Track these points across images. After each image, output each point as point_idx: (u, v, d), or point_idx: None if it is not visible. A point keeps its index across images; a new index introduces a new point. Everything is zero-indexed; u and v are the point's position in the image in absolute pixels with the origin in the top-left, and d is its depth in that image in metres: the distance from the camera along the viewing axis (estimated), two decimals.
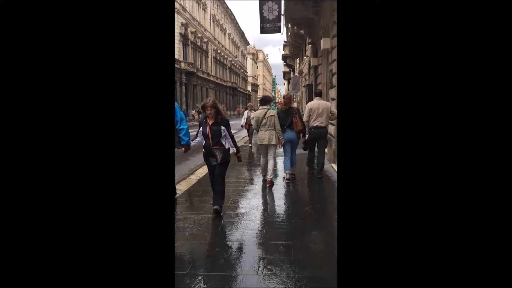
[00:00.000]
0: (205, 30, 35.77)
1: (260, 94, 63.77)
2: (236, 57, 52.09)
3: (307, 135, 5.21)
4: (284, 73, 35.24)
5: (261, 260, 2.50)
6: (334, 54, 6.40)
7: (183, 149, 3.92)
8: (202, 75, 33.50)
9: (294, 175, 5.32)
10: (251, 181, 5.28)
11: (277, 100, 39.18)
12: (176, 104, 3.75)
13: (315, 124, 5.17)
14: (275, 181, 5.05)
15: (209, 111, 3.56)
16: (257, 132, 5.02)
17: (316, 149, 5.57)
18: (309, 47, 11.86)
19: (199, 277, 2.27)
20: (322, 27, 8.02)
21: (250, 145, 9.30)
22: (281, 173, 5.63)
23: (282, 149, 5.12)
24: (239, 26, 53.91)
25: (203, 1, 34.45)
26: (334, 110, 5.30)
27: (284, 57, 26.03)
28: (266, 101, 5.15)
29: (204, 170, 5.73)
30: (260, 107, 5.07)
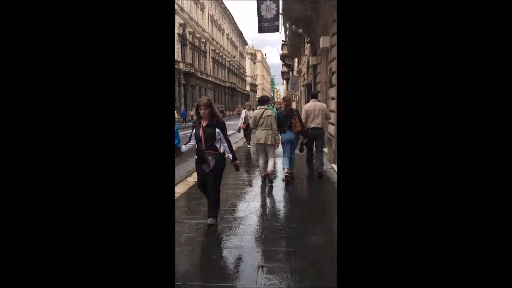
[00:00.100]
0: (203, 30, 35.64)
1: (259, 94, 63.83)
2: (234, 57, 51.97)
3: (305, 139, 5.36)
4: (283, 73, 35.13)
5: (260, 269, 2.37)
6: (334, 53, 6.28)
7: None
8: (200, 76, 33.35)
9: (292, 174, 5.32)
10: (250, 183, 5.16)
11: (275, 100, 39.17)
12: None
13: (311, 125, 5.34)
14: (274, 181, 5.01)
15: (203, 111, 3.19)
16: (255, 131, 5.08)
17: (314, 150, 5.65)
18: (307, 46, 11.74)
19: None
20: (321, 25, 7.90)
21: (248, 145, 9.17)
22: (280, 174, 5.58)
23: (281, 149, 5.22)
24: (237, 26, 53.79)
25: (201, 1, 34.28)
26: (328, 112, 5.48)
27: (283, 57, 25.97)
28: (264, 101, 5.19)
29: None
30: (258, 107, 5.11)
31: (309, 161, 5.70)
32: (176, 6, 26.56)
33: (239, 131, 9.48)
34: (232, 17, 49.45)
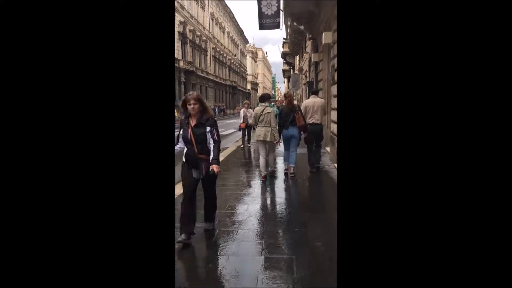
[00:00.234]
0: (204, 28, 35.43)
1: (260, 92, 63.51)
2: (235, 56, 51.73)
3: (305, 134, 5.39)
4: (284, 71, 34.92)
5: (260, 281, 2.19)
6: (336, 49, 6.08)
7: None
8: (201, 74, 33.16)
9: (294, 174, 5.18)
10: (249, 184, 4.97)
11: (277, 99, 38.92)
12: None
13: (310, 121, 5.36)
14: (275, 181, 4.90)
15: (192, 106, 2.66)
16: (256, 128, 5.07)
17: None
18: (309, 43, 11.52)
19: None
20: (323, 21, 7.70)
21: (242, 146, 8.95)
22: (281, 174, 5.44)
23: (282, 148, 5.29)
24: (238, 25, 53.54)
25: None
26: (327, 107, 5.63)
27: (284, 55, 25.75)
28: (265, 98, 5.16)
29: None
30: (260, 104, 5.10)
31: (310, 160, 5.66)
32: (176, 4, 26.37)
33: (239, 129, 9.31)
34: (233, 15, 49.21)
